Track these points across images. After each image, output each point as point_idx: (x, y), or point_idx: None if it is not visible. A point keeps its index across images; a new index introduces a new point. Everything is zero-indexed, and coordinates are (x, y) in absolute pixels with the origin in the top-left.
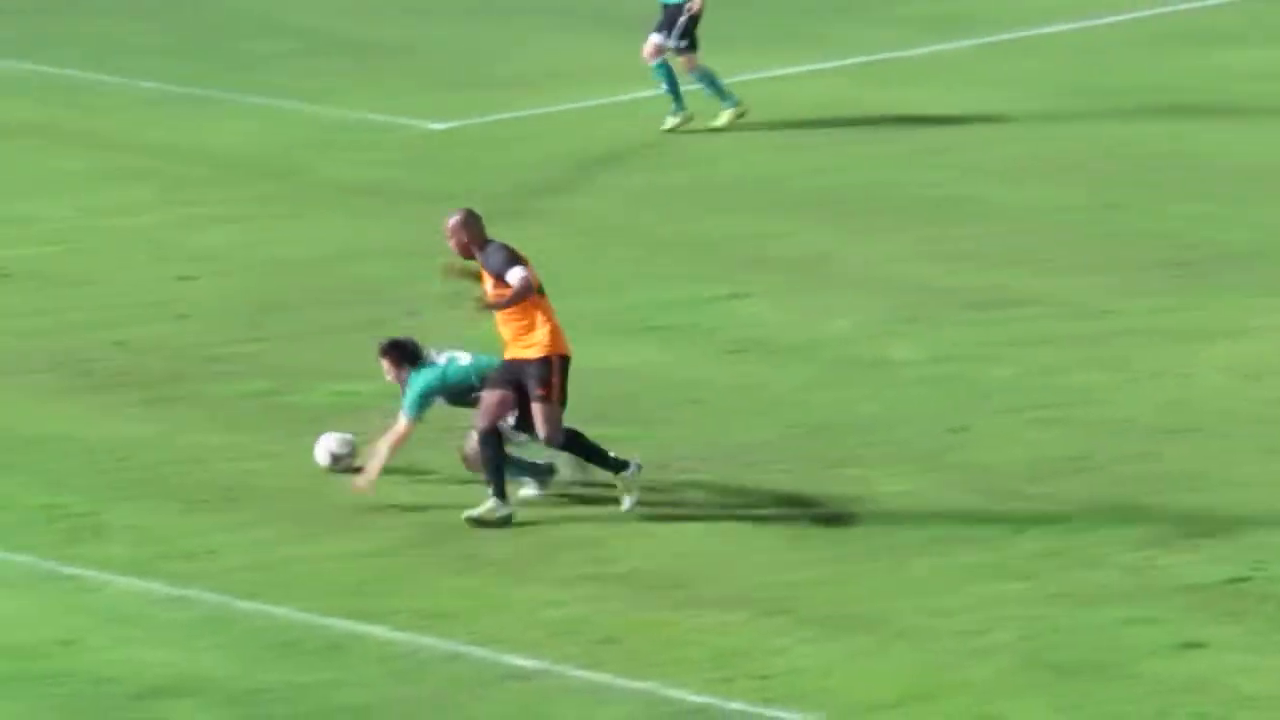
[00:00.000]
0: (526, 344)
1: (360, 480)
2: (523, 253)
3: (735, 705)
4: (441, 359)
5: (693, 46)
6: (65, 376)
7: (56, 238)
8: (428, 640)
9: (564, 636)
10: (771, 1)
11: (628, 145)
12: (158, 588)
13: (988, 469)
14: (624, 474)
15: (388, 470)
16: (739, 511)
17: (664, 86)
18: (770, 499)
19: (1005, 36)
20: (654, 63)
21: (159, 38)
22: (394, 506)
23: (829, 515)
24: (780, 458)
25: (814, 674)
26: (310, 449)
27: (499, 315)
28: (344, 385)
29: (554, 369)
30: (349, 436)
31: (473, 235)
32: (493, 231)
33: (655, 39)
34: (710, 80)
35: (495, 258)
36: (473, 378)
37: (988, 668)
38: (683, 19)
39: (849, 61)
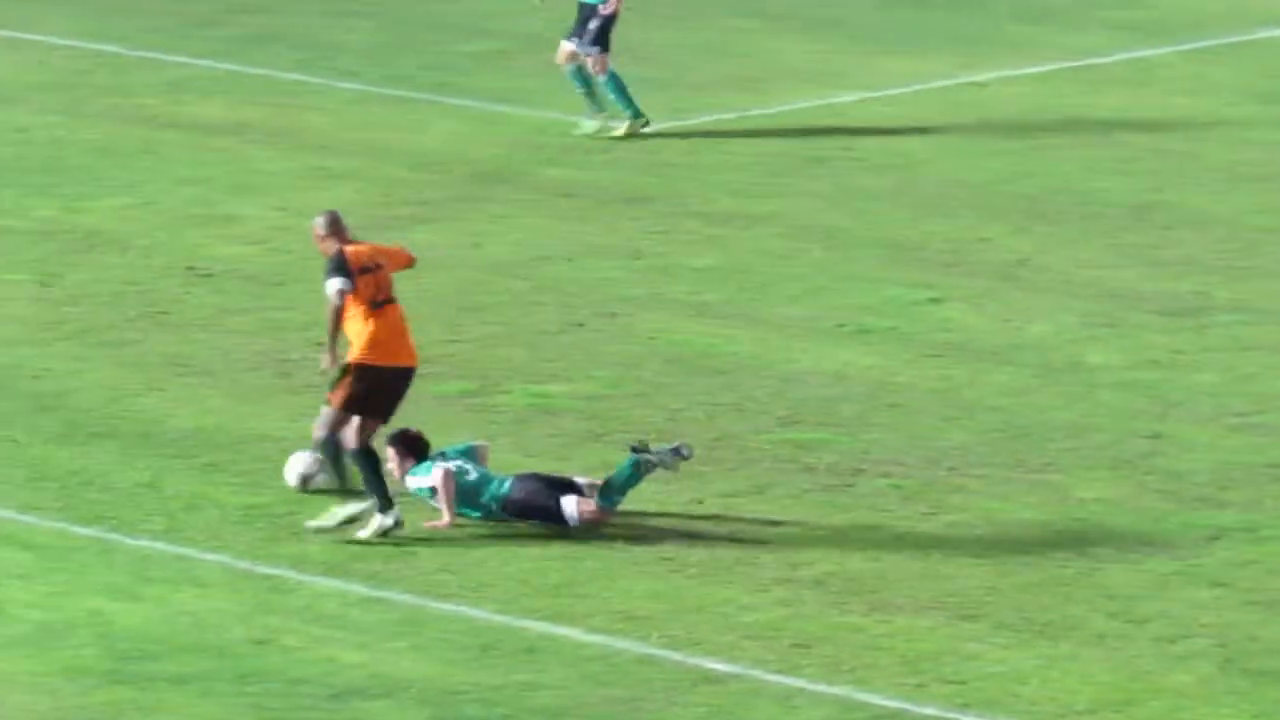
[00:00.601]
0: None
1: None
2: (367, 259)
3: (928, 710)
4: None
5: (605, 48)
6: (265, 377)
7: (258, 238)
8: (622, 643)
9: (758, 640)
10: (973, 6)
11: (829, 148)
12: (354, 588)
13: (1183, 475)
14: (381, 514)
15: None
16: (933, 516)
17: (579, 90)
18: (966, 503)
19: (1206, 43)
20: (567, 68)
21: (365, 38)
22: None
23: (1024, 520)
24: (977, 462)
25: (1008, 679)
26: (508, 449)
27: None
28: (542, 387)
29: (348, 374)
30: (318, 455)
31: (323, 238)
32: (694, 232)
33: (567, 45)
34: (618, 87)
35: (327, 265)
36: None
37: (1183, 675)
38: (595, 22)
39: (1050, 66)
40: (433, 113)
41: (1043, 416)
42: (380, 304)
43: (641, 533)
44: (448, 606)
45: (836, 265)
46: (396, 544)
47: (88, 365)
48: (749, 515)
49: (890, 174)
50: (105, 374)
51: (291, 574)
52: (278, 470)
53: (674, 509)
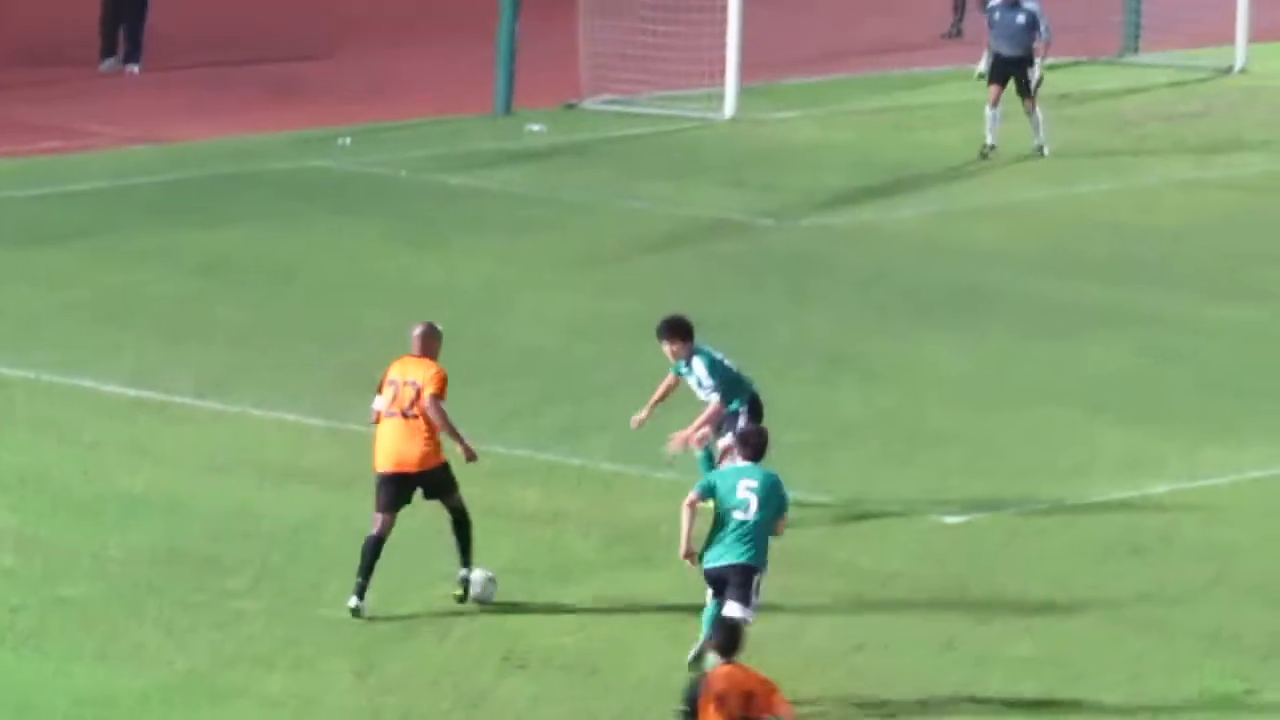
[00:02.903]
0: None
1: None
2: (397, 374)
3: None
4: None
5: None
6: None
7: (574, 627)
8: None
9: None
10: None
11: (1146, 537)
12: None
13: None
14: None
15: None
16: None
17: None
18: None
19: None
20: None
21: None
22: None
23: None
24: None
25: None
26: None
27: None
28: None
29: None
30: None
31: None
32: (1010, 622)
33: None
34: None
35: None
36: None
37: None
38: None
39: None
40: None
41: None
42: (391, 414)
43: None
44: None
45: (1153, 654)
46: None
47: None
48: None
49: (1208, 563)
50: None
51: None
52: None
53: None
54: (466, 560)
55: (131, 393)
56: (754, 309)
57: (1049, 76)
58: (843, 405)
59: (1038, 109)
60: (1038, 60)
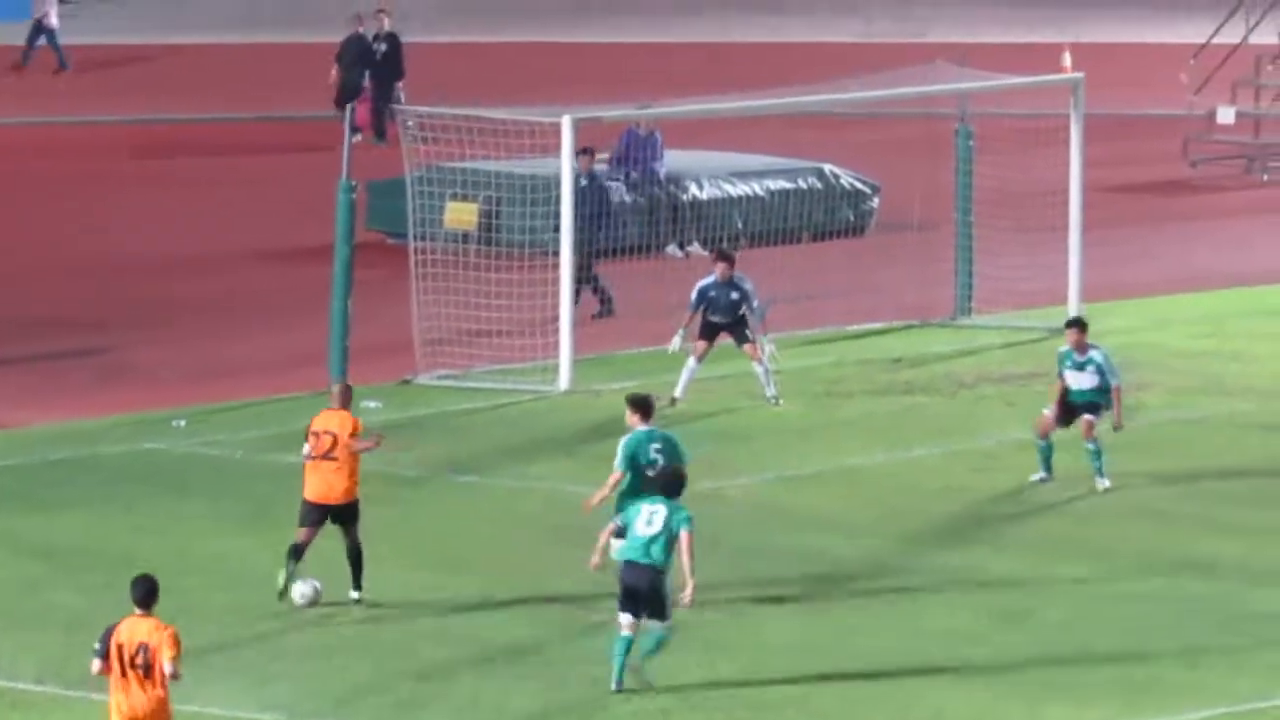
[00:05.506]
0: None
1: None
2: (320, 425)
3: None
4: None
5: None
6: None
7: None
8: None
9: None
10: (1138, 653)
11: None
12: None
13: None
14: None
15: None
16: None
17: None
18: None
19: None
20: None
21: (526, 703)
22: None
23: None
24: None
25: None
26: None
27: None
28: None
29: None
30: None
31: None
32: None
33: None
34: None
35: None
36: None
37: None
38: None
39: (1208, 712)
40: None
41: None
42: (316, 458)
43: None
44: None
45: None
46: None
47: None
48: None
49: None
50: None
51: None
52: None
53: None
54: (358, 583)
55: None
56: (594, 580)
57: (881, 341)
58: (685, 675)
59: (765, 359)
60: (762, 337)
